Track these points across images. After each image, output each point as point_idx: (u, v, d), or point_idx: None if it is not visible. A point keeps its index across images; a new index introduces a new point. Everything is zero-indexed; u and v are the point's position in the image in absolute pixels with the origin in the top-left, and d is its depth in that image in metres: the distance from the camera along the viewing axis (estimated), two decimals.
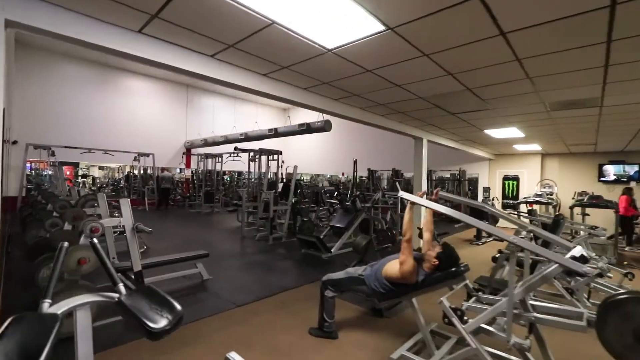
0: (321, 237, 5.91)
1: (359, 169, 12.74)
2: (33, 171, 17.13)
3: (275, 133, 9.53)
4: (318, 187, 8.50)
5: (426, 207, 2.54)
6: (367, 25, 2.15)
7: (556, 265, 1.88)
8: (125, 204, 2.86)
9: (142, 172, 13.60)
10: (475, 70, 3.02)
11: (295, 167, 7.03)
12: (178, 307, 1.21)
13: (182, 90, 14.11)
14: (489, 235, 7.95)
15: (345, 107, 4.32)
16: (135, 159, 12.09)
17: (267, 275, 4.47)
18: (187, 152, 14.08)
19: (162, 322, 1.14)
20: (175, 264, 3.78)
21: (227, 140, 11.43)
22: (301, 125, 8.61)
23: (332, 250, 5.38)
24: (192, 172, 14.60)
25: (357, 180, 9.31)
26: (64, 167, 18.37)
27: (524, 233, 3.78)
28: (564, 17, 2.04)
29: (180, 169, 15.35)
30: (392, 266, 2.57)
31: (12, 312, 0.98)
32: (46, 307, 1.08)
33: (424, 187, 6.40)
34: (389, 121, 5.27)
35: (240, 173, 17.09)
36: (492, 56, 2.68)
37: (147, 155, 12.28)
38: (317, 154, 15.63)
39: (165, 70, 9.48)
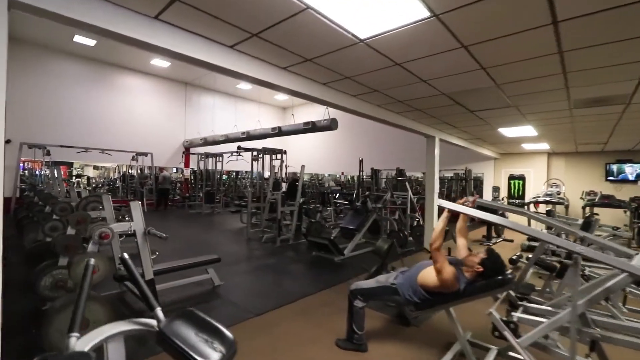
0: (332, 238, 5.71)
1: (355, 169, 12.63)
2: (26, 171, 16.65)
3: (278, 132, 9.32)
4: (324, 187, 8.30)
5: (474, 216, 2.35)
6: (411, 11, 1.96)
7: (625, 274, 1.71)
8: (136, 207, 2.64)
9: (138, 171, 13.28)
10: (509, 65, 2.84)
11: (303, 166, 6.82)
12: (230, 335, 1.00)
13: (181, 89, 13.81)
14: (498, 235, 7.84)
15: (362, 103, 4.13)
16: (133, 159, 11.78)
17: (281, 280, 4.27)
18: (186, 152, 13.80)
19: (214, 356, 0.93)
20: (184, 270, 3.56)
21: (228, 139, 11.18)
22: (306, 123, 8.41)
23: (344, 252, 5.20)
24: (190, 172, 14.31)
25: (363, 179, 9.14)
26: (51, 167, 17.98)
27: (564, 236, 3.63)
28: (621, 4, 1.87)
29: (177, 169, 15.06)
30: (429, 274, 2.38)
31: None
32: (73, 342, 0.87)
33: (437, 187, 6.24)
34: (404, 119, 5.09)
35: (237, 173, 16.83)
36: (534, 49, 2.50)
37: (146, 154, 11.97)
38: (315, 153, 15.42)
39: (163, 67, 9.06)
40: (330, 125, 7.97)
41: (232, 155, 11.46)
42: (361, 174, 9.06)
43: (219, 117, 14.62)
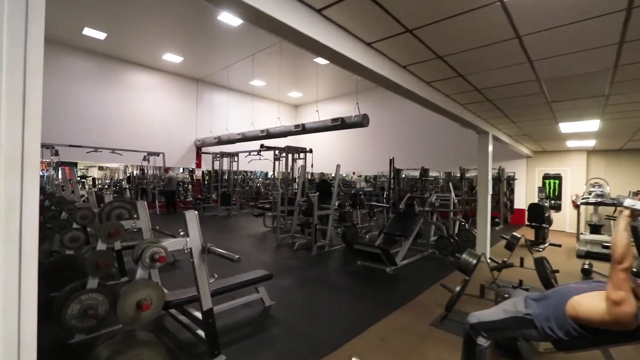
0: (377, 245, 5.13)
1: (369, 168, 11.93)
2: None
3: (302, 129, 8.73)
4: (355, 188, 7.71)
5: None
6: None
7: None
8: (192, 218, 2.06)
9: (140, 172, 12.73)
10: None
11: (338, 166, 6.24)
12: None
13: (192, 85, 13.23)
14: (543, 239, 7.23)
15: (432, 92, 3.55)
16: (144, 159, 11.22)
17: (337, 298, 3.68)
18: (198, 151, 13.23)
19: None
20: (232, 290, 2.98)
21: (244, 138, 10.59)
22: (335, 120, 7.82)
23: (397, 262, 4.62)
24: (202, 172, 13.75)
25: (392, 180, 8.53)
26: (63, 168, 17.43)
27: None
28: None
29: (184, 169, 14.48)
30: (590, 304, 1.77)
31: None
32: None
33: (490, 188, 5.64)
34: (464, 111, 4.49)
35: (246, 173, 16.25)
36: None
37: (157, 154, 11.41)
38: (328, 152, 14.81)
39: (175, 63, 8.41)
40: (362, 121, 7.38)
41: (249, 155, 10.90)
42: (392, 174, 8.46)
43: (232, 115, 14.04)
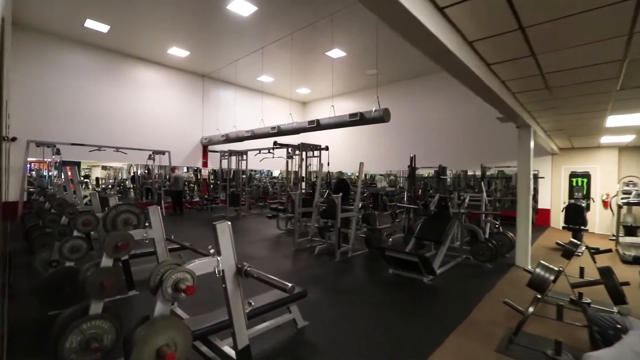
0: (409, 251, 4.63)
1: (379, 166, 11.33)
2: (33, 172, 15.70)
3: (317, 125, 8.24)
4: (377, 188, 7.21)
5: None
6: None
7: None
8: (224, 231, 1.57)
9: (145, 171, 12.29)
10: None
11: (362, 164, 5.75)
12: None
13: (198, 81, 12.77)
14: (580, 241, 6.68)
15: (489, 75, 3.04)
16: (150, 157, 10.78)
17: (376, 315, 3.19)
18: (205, 150, 12.78)
19: None
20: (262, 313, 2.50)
21: (254, 135, 10.13)
22: (353, 115, 7.32)
23: (436, 271, 4.12)
24: (208, 171, 13.29)
25: (410, 179, 8.00)
26: (65, 167, 17.03)
27: None
28: None
29: (188, 168, 14.04)
30: None
31: None
32: None
33: (532, 188, 5.13)
34: (513, 100, 3.98)
35: (254, 172, 15.78)
36: None
37: (163, 153, 10.97)
38: (339, 150, 14.32)
39: (181, 57, 7.89)
40: (383, 116, 6.88)
41: (259, 152, 10.43)
42: (411, 172, 7.93)
43: (240, 112, 13.57)
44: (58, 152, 8.91)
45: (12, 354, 2.33)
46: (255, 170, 15.35)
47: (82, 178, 18.63)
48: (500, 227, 5.89)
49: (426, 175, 12.56)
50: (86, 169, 19.38)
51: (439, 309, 3.34)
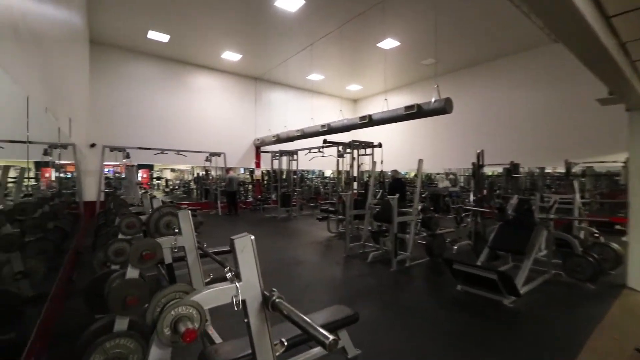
0: (482, 265, 3.87)
1: (436, 165, 10.17)
2: (115, 175, 17.62)
3: (369, 121, 7.68)
4: (438, 189, 6.43)
5: None
6: None
7: None
8: (245, 246, 1.18)
9: (204, 173, 12.83)
10: None
11: (421, 161, 5.08)
12: None
13: (251, 84, 13.03)
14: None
15: (621, 57, 2.26)
16: (207, 159, 11.25)
17: (448, 347, 2.59)
18: (257, 151, 12.98)
19: None
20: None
21: (304, 135, 9.91)
22: (409, 107, 6.62)
23: (520, 291, 3.32)
24: (262, 172, 13.48)
25: (475, 178, 6.97)
26: (140, 170, 18.84)
27: None
28: None
29: (244, 169, 14.39)
30: None
31: None
32: None
33: None
34: (630, 70, 3.02)
35: (306, 172, 15.65)
36: None
37: (219, 154, 11.36)
38: (392, 148, 13.44)
39: (234, 61, 7.73)
40: (444, 107, 6.08)
41: (309, 152, 10.18)
42: (478, 170, 6.92)
43: (291, 112, 13.57)
44: (128, 156, 9.66)
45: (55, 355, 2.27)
46: (306, 171, 15.25)
47: (154, 179, 20.55)
48: (601, 237, 4.73)
49: (490, 173, 11.15)
50: (158, 171, 21.34)
51: (529, 346, 2.60)
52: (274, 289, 1.25)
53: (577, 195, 4.90)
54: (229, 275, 1.14)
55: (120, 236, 3.04)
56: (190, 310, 1.02)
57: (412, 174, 13.32)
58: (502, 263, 4.68)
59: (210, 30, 8.86)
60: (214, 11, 7.73)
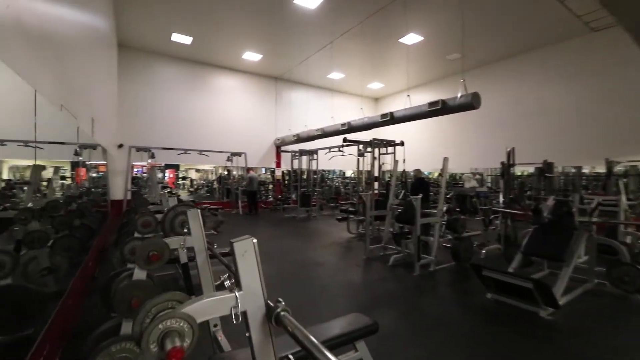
0: (525, 274, 3.56)
1: (460, 164, 9.51)
2: (143, 174, 18.25)
3: (390, 119, 7.43)
4: (464, 189, 6.10)
5: None
6: None
7: None
8: (247, 250, 1.05)
9: (225, 172, 12.97)
10: None
11: (446, 159, 4.80)
12: None
13: (271, 84, 13.07)
14: None
15: None
16: (228, 159, 11.38)
17: None
18: (278, 151, 12.99)
19: None
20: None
21: (324, 134, 9.79)
22: (433, 103, 6.33)
23: (560, 302, 3.01)
24: (282, 172, 13.49)
25: (505, 178, 6.52)
26: (167, 170, 19.40)
27: None
28: None
29: (266, 169, 14.45)
30: None
31: None
32: None
33: None
34: None
35: (326, 172, 15.49)
36: None
37: (240, 154, 11.46)
38: (414, 147, 13.00)
39: (254, 61, 7.66)
40: (471, 102, 5.74)
41: (329, 151, 10.03)
42: (508, 169, 6.50)
43: (311, 111, 13.48)
44: (152, 156, 9.92)
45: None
46: (327, 171, 15.12)
47: (180, 179, 21.16)
48: None
49: (520, 173, 10.52)
50: (183, 171, 21.97)
51: None
52: (280, 300, 1.11)
53: (623, 197, 4.44)
54: (227, 283, 1.01)
55: (135, 234, 3.03)
56: (181, 324, 0.90)
57: (436, 174, 12.84)
58: (535, 270, 4.32)
59: (231, 31, 8.92)
60: (234, 11, 7.77)
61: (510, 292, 3.25)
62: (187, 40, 9.40)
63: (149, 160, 10.07)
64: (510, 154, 6.47)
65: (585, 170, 9.39)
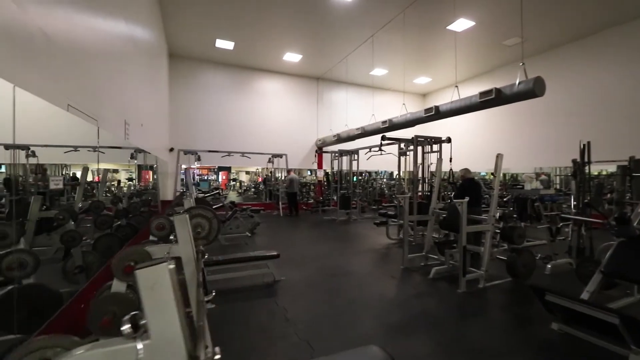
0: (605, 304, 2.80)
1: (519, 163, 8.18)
2: (198, 177, 19.39)
3: (435, 113, 6.74)
4: (524, 191, 5.22)
5: None
6: None
7: None
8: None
9: (269, 174, 13.09)
10: None
11: (500, 155, 4.08)
12: None
13: (312, 84, 12.93)
14: None
15: None
16: (269, 161, 11.47)
17: None
18: (319, 152, 12.78)
19: None
20: None
21: (364, 133, 9.32)
22: (485, 93, 5.54)
23: None
24: (324, 173, 13.25)
25: (579, 177, 5.42)
26: (220, 172, 20.39)
27: None
28: None
29: (311, 171, 14.31)
30: None
31: None
32: None
33: None
34: None
35: (371, 174, 14.87)
36: None
37: (281, 156, 11.48)
38: (463, 144, 11.78)
39: (295, 62, 7.07)
40: (533, 89, 4.87)
41: (370, 151, 9.52)
42: (582, 167, 5.43)
43: (352, 111, 13.07)
44: (199, 159, 10.36)
45: None
46: (371, 172, 14.54)
47: (231, 181, 22.14)
48: None
49: (597, 173, 8.91)
50: (234, 173, 22.97)
51: None
52: (214, 348, 0.79)
53: None
54: (125, 328, 0.71)
55: (150, 237, 2.96)
56: None
57: (490, 174, 11.55)
58: (619, 293, 3.42)
59: (270, 32, 8.92)
60: (273, 13, 7.71)
61: (584, 324, 2.55)
62: (229, 45, 9.64)
63: (196, 163, 10.53)
64: (585, 149, 5.41)
65: None
